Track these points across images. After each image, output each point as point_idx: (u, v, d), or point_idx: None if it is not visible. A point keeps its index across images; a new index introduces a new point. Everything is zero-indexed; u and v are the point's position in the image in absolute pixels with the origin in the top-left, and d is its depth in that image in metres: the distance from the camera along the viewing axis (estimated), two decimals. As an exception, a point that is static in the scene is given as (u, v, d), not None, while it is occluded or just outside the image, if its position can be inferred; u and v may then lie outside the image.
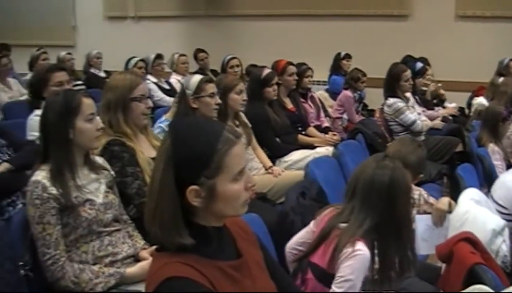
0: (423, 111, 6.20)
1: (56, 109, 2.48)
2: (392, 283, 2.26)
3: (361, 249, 2.16)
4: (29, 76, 6.66)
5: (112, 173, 2.75)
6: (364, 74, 6.78)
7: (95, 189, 2.57)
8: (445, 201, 3.01)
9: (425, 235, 2.93)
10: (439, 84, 7.04)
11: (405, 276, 2.32)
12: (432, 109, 6.69)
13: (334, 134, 5.46)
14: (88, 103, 2.54)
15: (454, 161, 5.10)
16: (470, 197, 2.93)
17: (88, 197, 2.51)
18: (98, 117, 2.61)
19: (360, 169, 2.38)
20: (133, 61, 7.15)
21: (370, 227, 2.22)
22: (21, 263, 2.43)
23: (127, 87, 3.00)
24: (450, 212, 2.93)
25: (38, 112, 3.22)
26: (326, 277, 2.23)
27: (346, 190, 2.40)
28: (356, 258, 2.15)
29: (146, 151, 3.01)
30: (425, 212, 3.01)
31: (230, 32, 9.41)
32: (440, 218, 2.95)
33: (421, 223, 2.94)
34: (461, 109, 7.21)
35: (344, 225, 2.28)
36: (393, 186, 2.24)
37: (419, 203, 3.00)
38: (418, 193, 3.03)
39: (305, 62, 6.10)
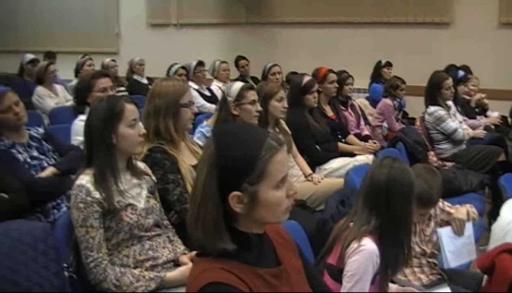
0: (465, 120, 6.09)
1: (100, 114, 2.51)
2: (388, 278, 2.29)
3: (367, 244, 2.19)
4: (74, 82, 6.78)
5: (154, 178, 2.77)
6: (403, 82, 6.71)
7: (136, 194, 2.59)
8: (463, 210, 2.99)
9: (450, 247, 2.90)
10: (483, 94, 6.90)
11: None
12: (474, 118, 6.57)
13: (374, 143, 5.40)
14: (130, 109, 2.57)
15: (496, 170, 5.00)
16: (513, 207, 2.87)
17: (130, 202, 2.53)
18: (140, 123, 2.63)
19: (367, 170, 2.42)
20: (173, 69, 7.18)
21: (374, 225, 2.24)
22: (65, 265, 2.47)
23: (177, 93, 3.01)
24: (468, 220, 2.93)
25: (83, 117, 3.28)
26: (341, 274, 2.24)
27: (357, 192, 2.45)
28: (362, 253, 2.18)
29: (187, 158, 3.02)
30: (442, 221, 2.96)
31: (270, 39, 9.43)
32: (460, 227, 2.92)
33: (444, 236, 2.91)
34: (503, 118, 7.03)
35: (352, 223, 2.32)
36: (390, 184, 2.25)
37: (435, 213, 2.95)
38: None
39: (346, 69, 6.08)
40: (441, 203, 2.99)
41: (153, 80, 7.63)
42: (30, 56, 7.99)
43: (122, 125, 2.52)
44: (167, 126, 2.97)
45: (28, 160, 3.30)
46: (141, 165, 2.75)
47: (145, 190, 2.64)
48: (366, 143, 5.38)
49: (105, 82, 3.93)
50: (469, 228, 2.94)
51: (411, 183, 2.29)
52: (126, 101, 2.59)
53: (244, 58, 8.48)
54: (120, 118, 2.52)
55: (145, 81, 8.40)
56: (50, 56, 9.24)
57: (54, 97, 6.85)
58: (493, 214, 4.69)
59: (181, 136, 3.08)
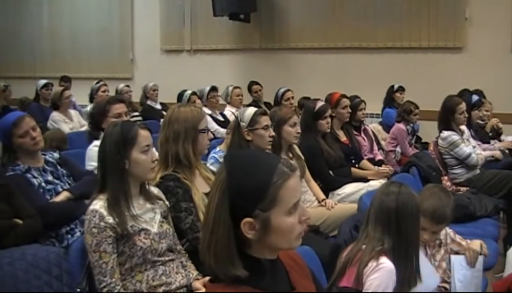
0: (479, 144, 6.06)
1: (113, 140, 2.53)
2: None
3: (386, 262, 2.26)
4: (89, 107, 6.84)
5: (167, 203, 2.78)
6: (417, 107, 6.70)
7: (150, 218, 2.61)
8: (477, 242, 2.99)
9: (460, 276, 2.90)
10: (497, 120, 6.87)
11: None
12: (488, 142, 6.54)
13: (388, 167, 5.38)
14: (144, 135, 2.59)
15: (511, 195, 4.95)
16: (529, 233, 2.85)
17: (143, 227, 2.54)
18: (154, 149, 2.65)
19: (373, 197, 2.51)
20: (186, 96, 7.18)
21: (388, 245, 2.33)
22: (78, 290, 2.47)
23: (196, 119, 3.03)
24: (481, 254, 2.94)
25: (97, 143, 3.30)
26: None
27: (364, 218, 2.53)
28: (382, 271, 2.23)
29: (200, 185, 3.02)
30: (452, 250, 2.96)
31: (283, 64, 9.47)
32: (474, 258, 2.93)
33: (457, 263, 2.92)
34: (518, 142, 7.02)
35: (365, 246, 2.38)
36: (400, 210, 2.36)
37: (446, 241, 2.94)
38: (444, 232, 2.95)
39: (359, 94, 6.10)
40: (452, 233, 3.00)
41: (167, 105, 7.77)
42: (43, 81, 8.06)
43: (135, 151, 2.54)
44: (186, 152, 2.98)
45: (43, 184, 3.33)
46: (154, 190, 2.76)
47: (158, 215, 2.65)
48: (380, 167, 5.36)
49: (119, 107, 3.97)
50: (480, 262, 2.94)
51: (418, 205, 2.42)
52: (140, 127, 2.61)
53: (257, 83, 8.50)
54: (133, 144, 2.54)
55: (158, 106, 8.44)
56: (66, 80, 9.34)
57: (69, 123, 6.92)
58: (509, 240, 4.66)
59: (197, 161, 3.09)
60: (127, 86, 8.62)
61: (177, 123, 3.02)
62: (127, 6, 10.77)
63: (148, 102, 8.43)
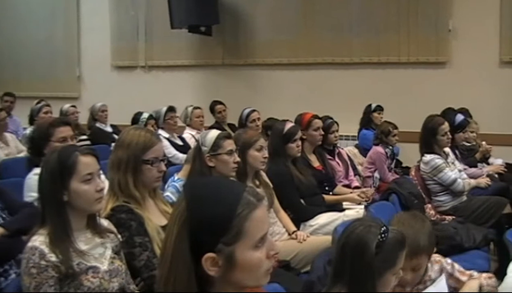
0: (465, 168, 6.14)
1: (49, 168, 2.50)
2: None
3: None
4: (28, 130, 6.75)
5: (119, 236, 2.74)
6: (395, 127, 6.75)
7: (99, 254, 2.57)
8: (474, 284, 2.90)
9: None
10: (484, 143, 6.95)
11: None
12: (475, 166, 6.63)
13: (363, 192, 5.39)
14: (85, 162, 2.54)
15: (501, 224, 5.01)
16: (522, 266, 2.87)
17: (91, 264, 2.50)
18: (102, 177, 2.61)
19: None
20: (142, 120, 7.14)
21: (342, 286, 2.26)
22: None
23: (140, 147, 2.97)
24: None
25: (38, 170, 3.25)
26: None
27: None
28: None
29: (155, 217, 2.99)
30: (450, 287, 2.91)
31: (249, 82, 9.53)
32: None
33: None
34: (508, 165, 7.10)
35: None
36: (346, 247, 2.28)
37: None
38: (437, 267, 2.91)
39: (333, 115, 6.15)
40: (449, 266, 2.93)
41: (118, 128, 7.70)
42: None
43: (74, 180, 2.49)
44: (126, 182, 2.94)
45: (-27, 219, 3.26)
46: (105, 222, 2.72)
47: (109, 250, 2.61)
48: (356, 190, 5.38)
49: (65, 131, 3.92)
50: None
51: (369, 246, 2.25)
52: (81, 153, 2.55)
53: (220, 103, 8.51)
54: (72, 173, 2.49)
55: (109, 129, 8.41)
56: (8, 95, 9.05)
57: (4, 148, 6.81)
58: (500, 274, 4.70)
59: (146, 194, 3.04)
60: (73, 106, 8.57)
61: (121, 149, 2.99)
62: (72, 15, 10.71)
63: (97, 124, 8.38)
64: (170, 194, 3.81)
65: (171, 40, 9.83)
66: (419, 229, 2.73)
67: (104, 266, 2.54)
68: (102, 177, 2.64)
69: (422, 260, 2.74)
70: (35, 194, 2.94)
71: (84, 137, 7.60)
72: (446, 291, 2.80)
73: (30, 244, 2.41)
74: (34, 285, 2.34)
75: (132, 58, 10.38)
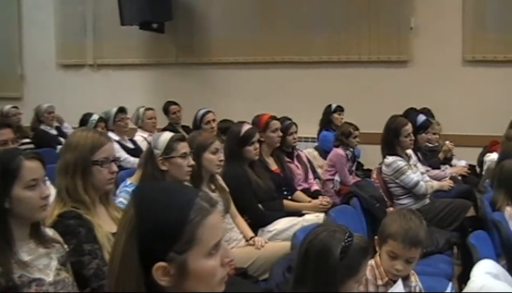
0: (428, 170, 6.22)
1: None
2: None
3: None
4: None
5: (65, 246, 2.71)
6: (356, 128, 6.77)
7: (44, 265, 2.52)
8: None
9: None
10: (451, 144, 7.05)
11: None
12: (438, 168, 6.72)
13: (325, 198, 5.44)
14: (30, 167, 2.50)
15: (465, 227, 5.07)
16: (486, 270, 2.91)
17: (35, 276, 2.45)
18: (45, 184, 2.58)
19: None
20: (92, 122, 7.07)
21: None
22: None
23: (88, 147, 2.94)
24: None
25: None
26: None
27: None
28: None
29: (105, 224, 2.96)
30: None
31: (204, 82, 9.52)
32: None
33: None
34: (471, 167, 7.22)
35: None
36: (314, 253, 2.31)
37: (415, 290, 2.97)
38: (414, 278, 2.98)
39: (291, 115, 6.17)
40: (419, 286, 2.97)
41: (63, 131, 7.57)
42: None
43: (17, 186, 2.45)
44: (75, 186, 2.91)
45: None
46: (49, 231, 2.68)
47: (54, 261, 2.57)
48: (316, 200, 5.42)
49: (5, 133, 3.88)
50: None
51: (331, 249, 2.29)
52: (26, 157, 2.51)
53: (175, 103, 8.45)
54: (15, 178, 2.44)
55: (54, 131, 8.28)
56: None
57: None
58: (464, 278, 4.77)
59: (96, 199, 3.01)
60: (15, 107, 8.45)
61: (69, 152, 2.96)
62: (13, 8, 10.52)
63: (42, 126, 8.26)
64: (123, 199, 3.78)
65: (122, 37, 9.75)
66: (419, 224, 2.84)
67: (49, 278, 2.50)
68: (48, 183, 2.60)
69: (417, 254, 2.83)
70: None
71: (27, 140, 7.48)
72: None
73: (-34, 256, 2.37)
74: (-30, 301, 2.31)
75: (79, 56, 10.27)
